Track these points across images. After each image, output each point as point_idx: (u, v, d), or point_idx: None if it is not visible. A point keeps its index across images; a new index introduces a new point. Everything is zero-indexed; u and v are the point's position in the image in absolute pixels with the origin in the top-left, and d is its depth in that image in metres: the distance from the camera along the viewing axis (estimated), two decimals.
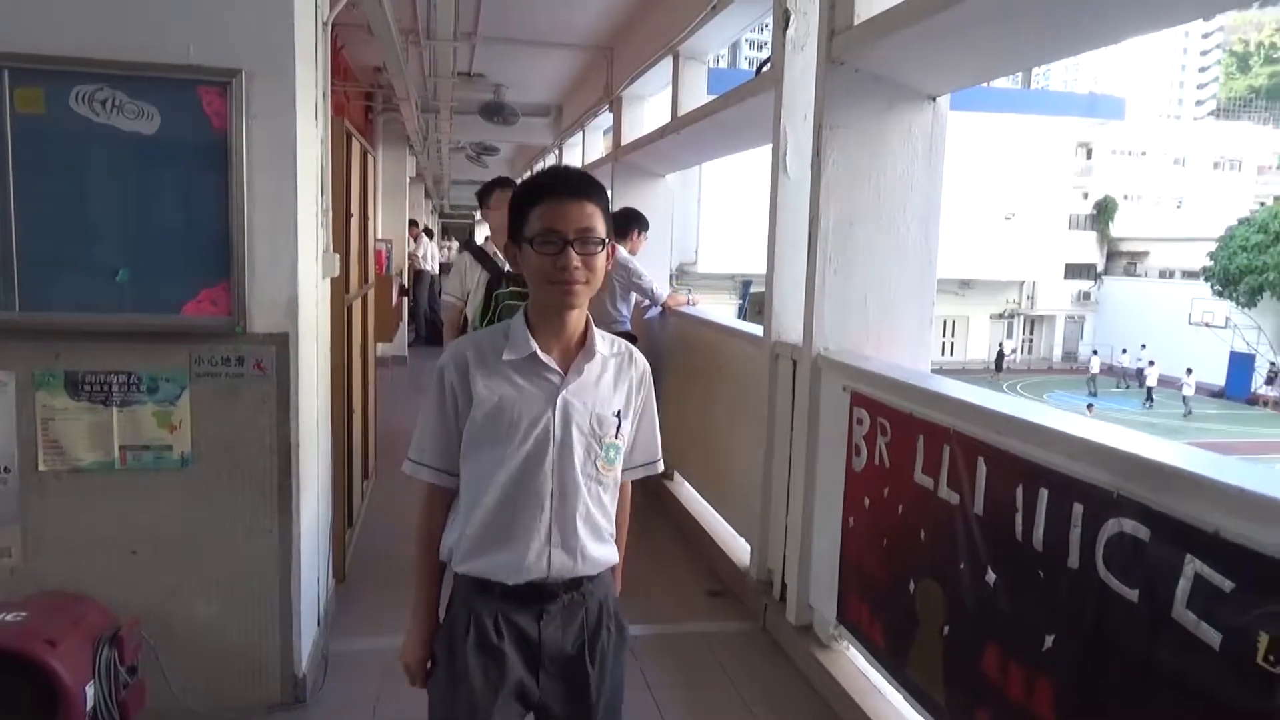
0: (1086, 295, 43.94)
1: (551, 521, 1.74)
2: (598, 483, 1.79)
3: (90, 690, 2.51)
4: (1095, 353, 39.65)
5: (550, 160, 12.74)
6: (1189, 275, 40.30)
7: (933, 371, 3.38)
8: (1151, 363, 34.81)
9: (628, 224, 5.63)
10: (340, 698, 3.18)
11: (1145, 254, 45.57)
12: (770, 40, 4.07)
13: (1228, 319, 35.65)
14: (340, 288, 3.91)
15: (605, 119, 8.86)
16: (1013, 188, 36.54)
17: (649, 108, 7.71)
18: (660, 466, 1.98)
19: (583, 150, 10.29)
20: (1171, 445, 1.92)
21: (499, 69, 8.78)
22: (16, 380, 2.79)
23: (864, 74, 3.30)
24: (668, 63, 6.31)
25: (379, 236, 8.11)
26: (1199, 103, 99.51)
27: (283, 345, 2.91)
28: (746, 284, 30.79)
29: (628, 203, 6.54)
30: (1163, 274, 44.11)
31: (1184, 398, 33.09)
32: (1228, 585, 1.59)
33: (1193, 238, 41.03)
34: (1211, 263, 36.48)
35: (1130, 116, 50.85)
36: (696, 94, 6.09)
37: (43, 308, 2.74)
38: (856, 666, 3.23)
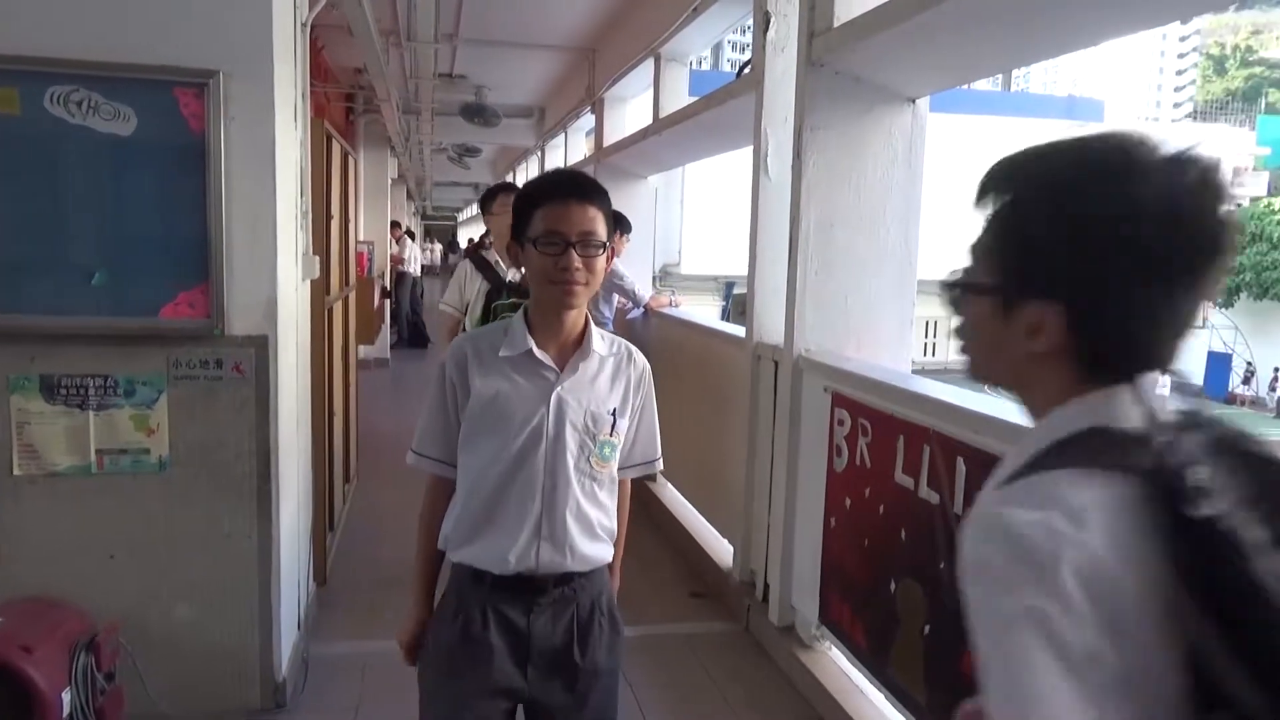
0: None
1: (541, 514, 1.77)
2: (591, 479, 1.81)
3: (67, 696, 2.49)
4: None
5: (533, 162, 12.73)
6: None
7: (915, 372, 3.40)
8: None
9: (616, 226, 5.62)
10: (321, 702, 3.16)
11: None
12: (751, 42, 4.08)
13: (1205, 319, 36.01)
14: (321, 290, 3.89)
15: (587, 120, 8.86)
16: None
17: (631, 109, 7.72)
18: (659, 466, 2.00)
19: (565, 152, 10.29)
20: None
21: (481, 70, 8.76)
22: None
23: (844, 76, 3.32)
24: (649, 64, 6.31)
25: (360, 238, 8.07)
26: (1176, 105, 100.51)
27: (262, 348, 2.89)
28: (729, 285, 30.84)
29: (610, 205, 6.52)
30: None
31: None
32: None
33: None
34: None
35: (1109, 118, 51.26)
36: (678, 96, 6.10)
37: (17, 310, 2.72)
38: (838, 666, 3.24)
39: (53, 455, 2.81)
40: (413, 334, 13.04)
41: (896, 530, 2.69)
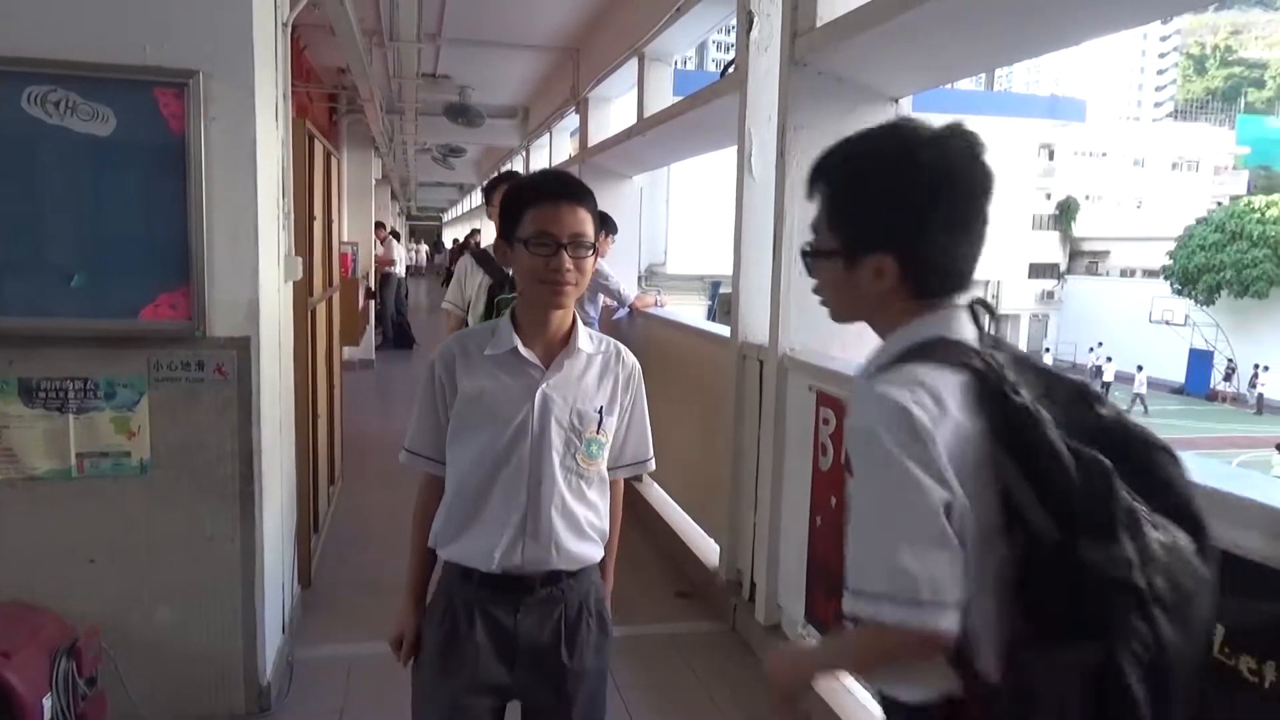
0: (1050, 294, 44.58)
1: (526, 512, 1.78)
2: (579, 476, 1.82)
3: (48, 703, 2.46)
4: (1048, 350, 40.36)
5: (517, 162, 12.70)
6: (1149, 274, 41.01)
7: None
8: (1109, 359, 35.39)
9: (601, 225, 5.61)
10: (305, 705, 3.15)
11: (1107, 253, 46.33)
12: (735, 42, 4.08)
13: (1187, 317, 36.35)
14: (303, 291, 3.87)
15: (572, 121, 8.85)
16: None
17: (615, 109, 7.71)
18: (652, 465, 2.01)
19: (550, 152, 10.27)
20: None
21: (464, 70, 8.74)
22: None
23: (827, 76, 3.32)
24: (634, 64, 6.31)
25: (344, 239, 8.04)
26: (1157, 104, 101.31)
27: (244, 349, 2.87)
28: (715, 285, 30.88)
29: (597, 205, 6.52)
30: (1124, 273, 44.87)
31: (1136, 394, 33.56)
32: None
33: (1152, 237, 41.77)
34: (1171, 262, 37.15)
35: (1091, 118, 51.73)
36: (662, 96, 6.10)
37: None
38: None
39: (32, 459, 2.78)
40: (398, 335, 13.00)
41: None
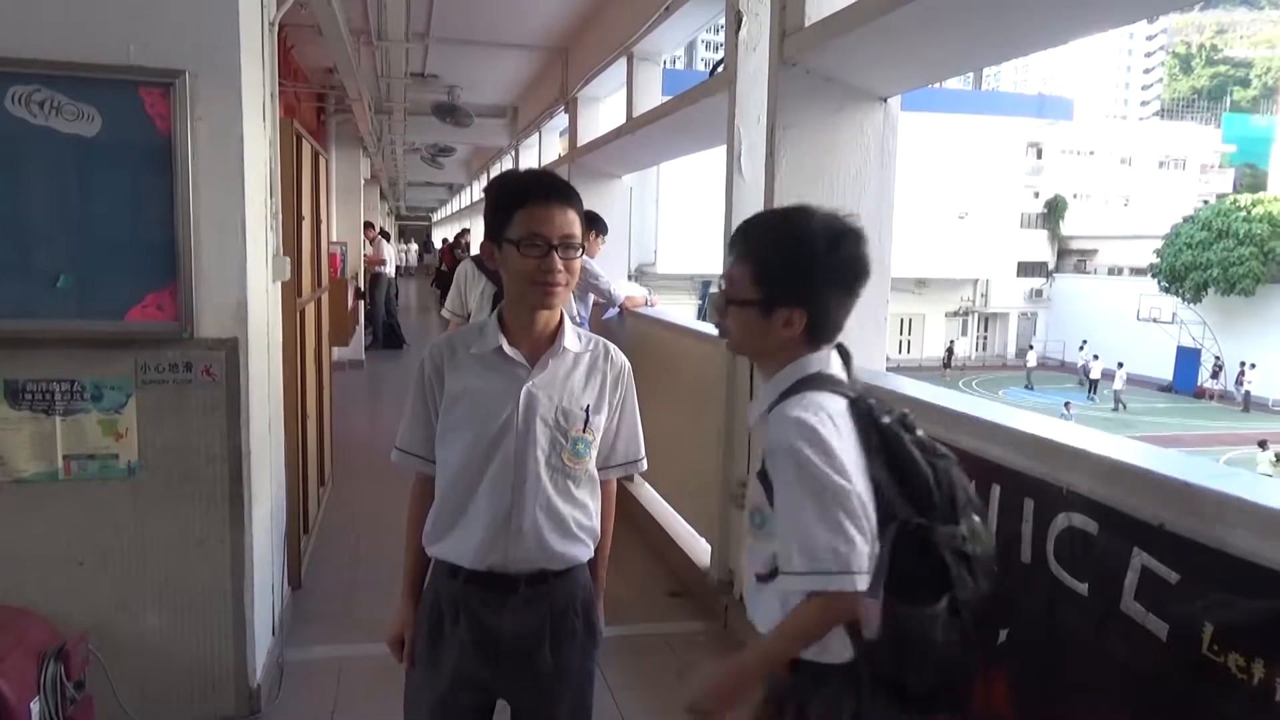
0: (1039, 292, 44.72)
1: (510, 509, 1.79)
2: (565, 475, 1.83)
3: (35, 707, 2.44)
4: (1031, 348, 40.69)
5: (507, 161, 12.68)
6: (1137, 272, 41.19)
7: (889, 370, 3.41)
8: (1096, 356, 35.57)
9: (586, 226, 5.61)
10: (296, 708, 3.13)
11: (1094, 251, 46.53)
12: (724, 41, 4.08)
13: (1174, 314, 36.53)
14: (292, 291, 3.85)
15: (561, 120, 8.84)
16: (965, 187, 37.07)
17: (604, 109, 7.70)
18: (644, 465, 2.01)
19: (539, 151, 10.26)
20: (1117, 440, 1.95)
21: (453, 70, 8.72)
22: None
23: (815, 75, 3.32)
24: (622, 64, 6.30)
25: (333, 239, 8.02)
26: (1144, 103, 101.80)
27: (232, 351, 2.86)
28: (705, 284, 30.92)
29: (585, 204, 6.51)
30: (1111, 271, 45.07)
31: (1115, 392, 33.65)
32: (1174, 577, 1.62)
33: (1140, 235, 41.97)
34: (1158, 260, 37.33)
35: (1078, 117, 51.91)
36: (651, 95, 6.09)
37: None
38: None
39: (18, 462, 2.76)
40: (388, 335, 12.96)
41: None
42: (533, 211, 1.73)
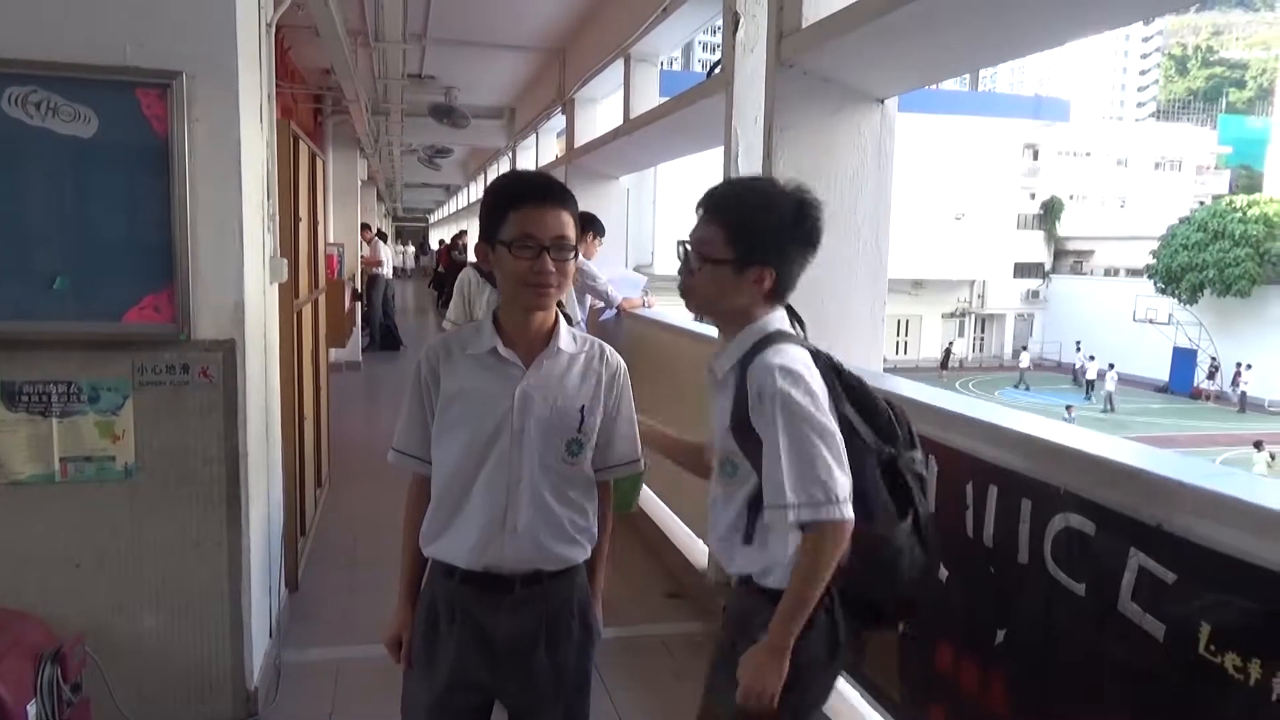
0: (1035, 294, 44.79)
1: (506, 510, 1.79)
2: (560, 476, 1.83)
3: (32, 709, 2.44)
4: (1024, 349, 40.75)
5: (504, 163, 12.68)
6: (1133, 273, 41.25)
7: (885, 370, 3.42)
8: (1092, 357, 35.63)
9: (583, 228, 5.61)
10: (293, 710, 3.13)
11: (1091, 253, 46.58)
12: (721, 43, 4.08)
13: (1170, 315, 36.59)
14: (289, 293, 3.85)
15: (558, 121, 8.84)
16: (962, 188, 37.11)
17: (602, 110, 7.71)
18: (641, 466, 2.00)
19: (536, 152, 10.26)
20: (1114, 441, 1.95)
21: (450, 71, 8.72)
22: None
23: (813, 76, 3.33)
24: (620, 65, 6.30)
25: (330, 241, 8.00)
26: (1140, 105, 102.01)
27: (229, 352, 2.86)
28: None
29: (582, 206, 6.50)
30: (1108, 272, 45.12)
31: (1107, 393, 33.61)
32: (1170, 577, 1.62)
33: (1136, 236, 42.04)
34: (1154, 261, 37.39)
35: (1075, 118, 52.02)
36: (649, 96, 6.09)
37: None
38: None
39: (15, 464, 2.75)
40: (385, 337, 12.95)
41: None
42: (526, 213, 1.74)
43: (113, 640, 2.83)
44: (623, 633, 3.84)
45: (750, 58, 3.78)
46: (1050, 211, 46.23)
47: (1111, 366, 33.82)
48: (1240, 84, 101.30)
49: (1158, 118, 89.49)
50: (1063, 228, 46.41)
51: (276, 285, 3.49)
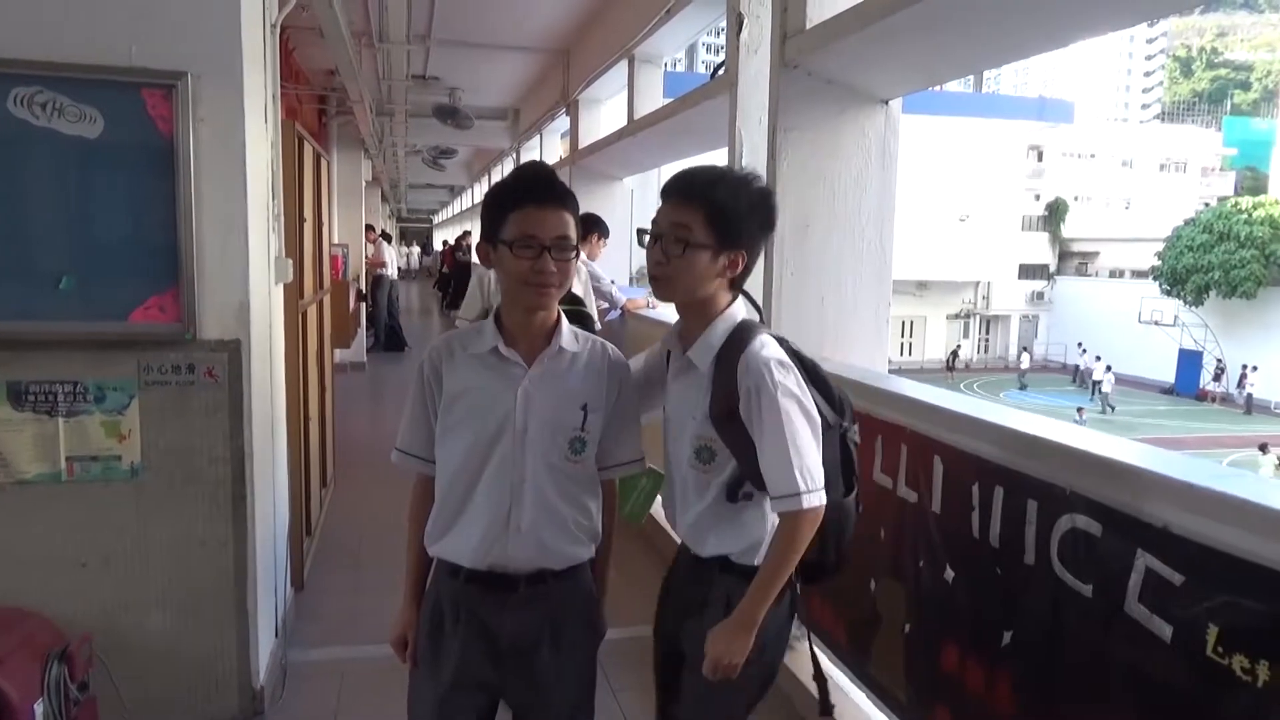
0: (1040, 295, 44.72)
1: (510, 508, 1.80)
2: (564, 474, 1.84)
3: (39, 708, 2.44)
4: (1025, 350, 40.71)
5: (508, 164, 12.68)
6: (1138, 275, 41.17)
7: (890, 372, 3.41)
8: (1099, 358, 35.56)
9: (587, 229, 5.62)
10: (299, 709, 3.13)
11: (1096, 254, 46.49)
12: (725, 44, 4.08)
13: (1176, 317, 36.51)
14: (294, 293, 3.86)
15: (562, 123, 8.85)
16: (966, 190, 37.13)
17: (606, 111, 7.71)
18: (644, 466, 2.01)
19: (540, 153, 10.26)
20: (1120, 442, 1.95)
21: (454, 72, 8.73)
22: None
23: (817, 77, 3.32)
24: (624, 66, 6.31)
25: (335, 241, 8.02)
26: (1145, 106, 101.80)
27: (234, 352, 2.86)
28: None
29: (586, 207, 6.50)
30: (1113, 274, 45.03)
31: (1103, 394, 33.40)
32: (1178, 579, 1.62)
33: (1141, 238, 41.93)
34: (1159, 262, 37.32)
35: (1079, 120, 51.95)
36: (653, 97, 6.10)
37: None
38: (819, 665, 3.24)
39: (21, 463, 2.76)
40: (389, 337, 12.96)
41: (875, 529, 2.70)
42: (527, 213, 1.75)
43: (119, 639, 2.83)
44: (627, 633, 3.82)
45: (754, 59, 3.77)
46: (1055, 213, 46.14)
47: (1109, 369, 33.68)
48: (1245, 86, 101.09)
49: (1162, 119, 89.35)
50: (1067, 229, 46.32)
51: (281, 286, 3.50)
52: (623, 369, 1.94)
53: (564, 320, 1.86)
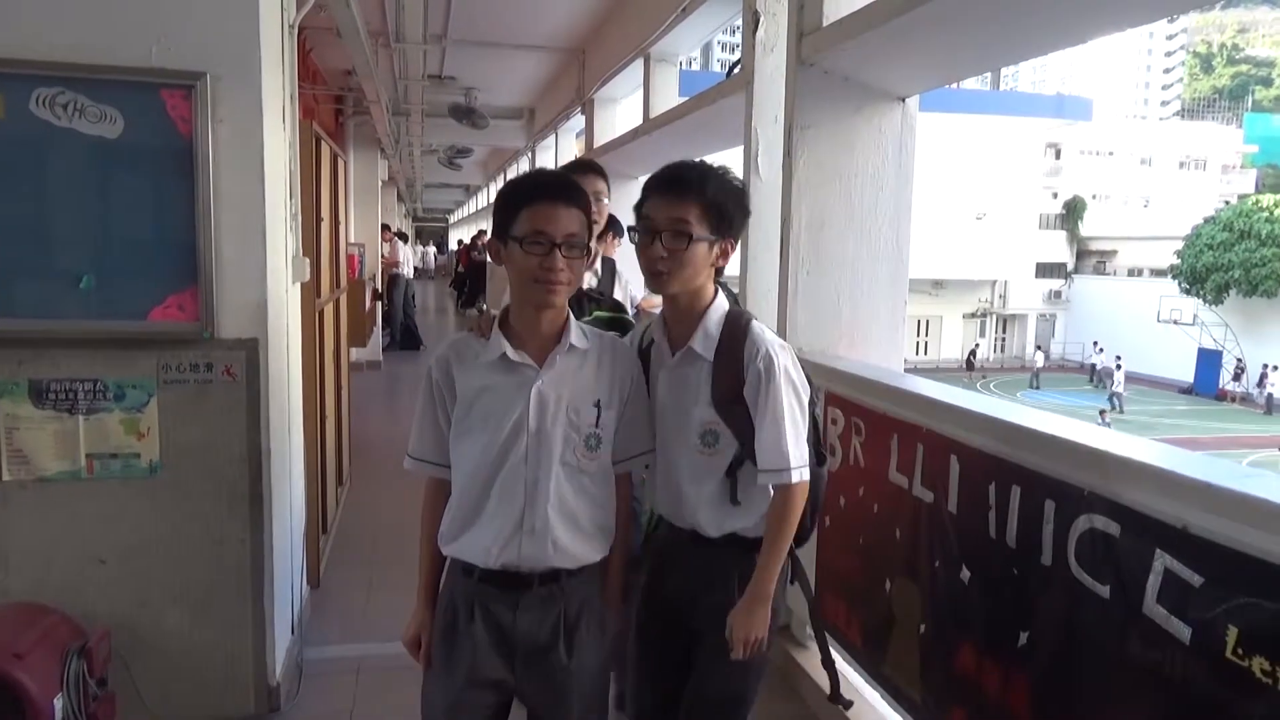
0: (1057, 294, 44.41)
1: (524, 508, 1.80)
2: (580, 471, 1.84)
3: (59, 703, 2.47)
4: (1039, 348, 40.37)
5: (524, 163, 12.71)
6: (1157, 273, 40.82)
7: (906, 371, 3.40)
8: (1119, 358, 35.29)
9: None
10: (315, 706, 3.15)
11: (1114, 253, 46.14)
12: (741, 42, 4.08)
13: (1195, 316, 36.18)
14: (311, 292, 3.88)
15: (578, 121, 8.86)
16: (983, 188, 36.91)
17: (621, 110, 7.72)
18: (654, 458, 2.02)
19: (556, 153, 10.28)
20: (1139, 441, 1.93)
21: (470, 72, 8.75)
22: None
23: (833, 75, 3.32)
24: (639, 65, 6.31)
25: (351, 241, 8.06)
26: (1164, 103, 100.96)
27: (252, 351, 2.88)
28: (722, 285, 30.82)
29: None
30: (1131, 272, 44.67)
31: (1112, 394, 32.95)
32: (1197, 580, 1.60)
33: (1160, 236, 41.59)
34: (1179, 261, 36.98)
35: (1097, 117, 51.52)
36: (668, 96, 6.10)
37: (4, 314, 2.70)
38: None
39: (42, 460, 2.79)
40: (405, 336, 13.01)
41: (891, 529, 2.69)
42: (538, 210, 1.75)
43: (137, 635, 2.86)
44: None
45: (770, 57, 3.77)
46: (1073, 211, 45.81)
47: (1119, 367, 33.32)
48: (1266, 82, 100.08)
49: (1182, 116, 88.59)
50: (1085, 227, 45.98)
51: (299, 284, 3.52)
52: (633, 362, 1.95)
53: (572, 318, 1.87)
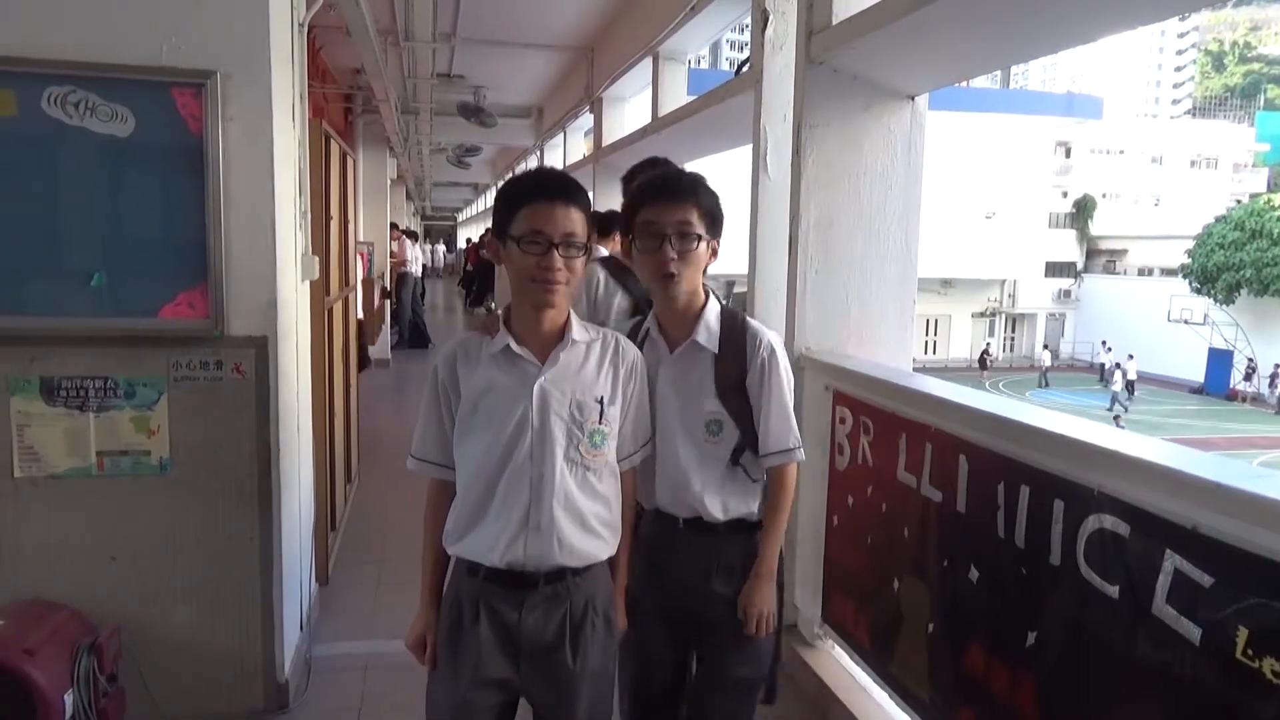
0: (1067, 293, 44.25)
1: (529, 506, 1.80)
2: (584, 468, 1.84)
3: (69, 699, 2.49)
4: (1046, 348, 40.31)
5: (532, 162, 12.71)
6: (1167, 273, 40.65)
7: (915, 370, 3.40)
8: (1131, 356, 35.14)
9: (611, 225, 5.61)
10: (324, 703, 3.16)
11: (1124, 252, 45.95)
12: (750, 40, 4.07)
13: (1206, 316, 36.00)
14: (320, 290, 3.89)
15: (586, 120, 8.86)
16: (993, 187, 36.78)
17: (630, 108, 7.72)
18: (653, 448, 2.04)
19: (564, 151, 10.28)
20: (1149, 441, 1.93)
21: (479, 70, 8.76)
22: None
23: (842, 74, 3.31)
24: (648, 63, 6.31)
25: (360, 239, 8.07)
26: (1175, 102, 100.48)
27: (262, 349, 2.89)
28: (730, 284, 30.88)
29: (610, 204, 6.55)
30: (1141, 271, 44.49)
31: (1113, 394, 32.73)
32: (1207, 580, 1.60)
33: (1171, 235, 41.41)
34: (1189, 260, 36.81)
35: (1108, 115, 51.31)
36: (677, 94, 6.09)
37: (17, 312, 2.71)
38: (841, 665, 3.23)
39: (53, 457, 2.80)
40: (414, 334, 13.04)
41: (899, 528, 2.69)
42: (536, 209, 1.75)
43: (147, 632, 2.87)
44: None
45: (779, 55, 3.76)
46: (1083, 210, 45.64)
47: (1119, 366, 33.13)
48: (1278, 80, 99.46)
49: (1193, 115, 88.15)
50: (1095, 226, 45.81)
51: (308, 282, 3.53)
52: (635, 358, 1.96)
53: (573, 317, 1.87)
